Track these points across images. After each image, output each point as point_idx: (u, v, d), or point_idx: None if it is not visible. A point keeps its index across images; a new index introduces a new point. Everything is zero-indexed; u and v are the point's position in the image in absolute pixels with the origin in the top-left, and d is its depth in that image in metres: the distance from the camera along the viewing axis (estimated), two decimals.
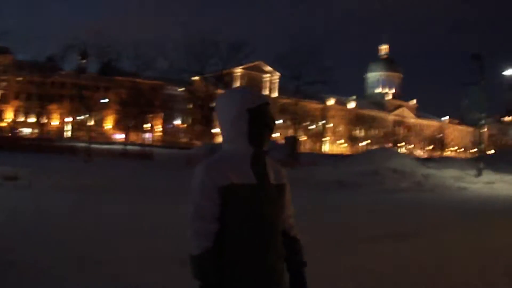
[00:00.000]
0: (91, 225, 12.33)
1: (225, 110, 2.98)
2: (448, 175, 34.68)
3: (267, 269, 2.92)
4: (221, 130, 3.00)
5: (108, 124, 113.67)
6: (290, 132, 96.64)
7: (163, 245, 10.15)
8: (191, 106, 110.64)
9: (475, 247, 11.52)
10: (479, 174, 36.51)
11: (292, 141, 60.65)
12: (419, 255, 10.49)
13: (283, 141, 67.21)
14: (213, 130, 59.33)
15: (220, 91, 60.74)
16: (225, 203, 2.87)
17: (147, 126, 79.30)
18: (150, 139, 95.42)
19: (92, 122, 59.72)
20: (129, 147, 56.60)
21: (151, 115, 74.44)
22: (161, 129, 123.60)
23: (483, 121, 43.04)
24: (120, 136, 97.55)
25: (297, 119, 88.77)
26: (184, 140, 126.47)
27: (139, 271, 8.16)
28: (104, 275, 7.91)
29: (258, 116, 2.92)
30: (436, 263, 9.76)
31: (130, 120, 60.04)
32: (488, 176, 36.33)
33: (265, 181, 2.97)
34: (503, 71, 53.20)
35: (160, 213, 15.22)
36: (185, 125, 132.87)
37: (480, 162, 37.83)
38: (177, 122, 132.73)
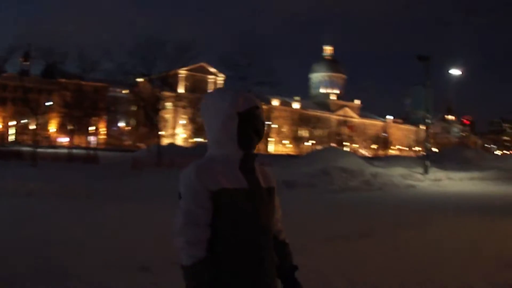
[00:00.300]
0: (46, 234, 11.95)
1: (214, 112, 2.86)
2: (396, 173, 35.01)
3: (264, 275, 2.83)
4: (207, 132, 2.93)
5: (52, 127, 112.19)
6: None
7: (121, 251, 9.95)
8: (135, 108, 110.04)
9: (433, 245, 11.62)
10: (426, 172, 36.95)
11: None
12: (377, 254, 10.55)
13: None
14: (158, 132, 58.86)
15: (166, 93, 60.22)
16: (216, 208, 2.74)
17: (91, 129, 78.51)
18: (95, 142, 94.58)
19: (36, 126, 58.67)
20: (74, 150, 55.76)
21: (95, 118, 73.61)
22: (105, 131, 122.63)
23: (429, 120, 43.59)
24: (64, 140, 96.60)
25: None
26: (128, 142, 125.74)
27: (103, 281, 7.90)
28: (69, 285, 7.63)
29: (249, 120, 2.82)
30: (394, 261, 9.80)
31: (74, 123, 59.13)
32: (434, 173, 36.97)
33: (256, 185, 2.88)
34: (445, 71, 54.12)
35: (113, 218, 14.96)
36: (129, 128, 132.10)
37: (427, 160, 38.26)
38: (121, 124, 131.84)
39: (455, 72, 52.41)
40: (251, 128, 2.79)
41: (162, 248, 10.15)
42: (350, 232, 13.19)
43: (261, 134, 2.88)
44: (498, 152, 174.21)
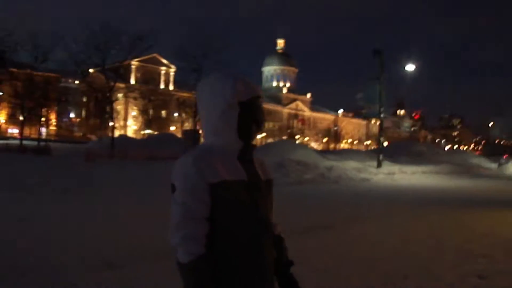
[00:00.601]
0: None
1: (213, 100, 2.70)
2: (350, 166, 35.28)
3: (264, 270, 2.72)
4: (204, 120, 2.77)
5: (2, 118, 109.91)
6: (187, 126, 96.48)
7: (84, 247, 9.76)
8: (86, 99, 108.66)
9: (396, 237, 11.71)
10: (379, 165, 37.28)
11: (192, 135, 60.47)
12: (347, 246, 10.57)
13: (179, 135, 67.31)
14: (111, 124, 58.55)
15: (117, 84, 59.58)
16: (214, 201, 2.59)
17: (42, 120, 77.15)
18: (45, 133, 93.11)
19: None
20: (25, 142, 54.82)
21: (46, 109, 72.40)
22: (56, 123, 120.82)
23: (382, 115, 43.99)
24: (14, 131, 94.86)
25: (195, 112, 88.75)
26: (78, 134, 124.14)
27: (68, 279, 7.70)
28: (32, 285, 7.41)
29: (250, 109, 2.70)
30: (362, 253, 9.88)
31: (25, 113, 58.02)
32: (387, 167, 37.39)
33: (256, 177, 2.76)
34: (396, 67, 54.50)
35: (74, 213, 14.68)
36: (79, 119, 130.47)
37: (380, 154, 38.60)
38: (72, 115, 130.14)
39: (410, 68, 52.62)
40: (252, 118, 2.72)
41: (127, 243, 10.04)
42: (312, 224, 13.30)
43: (261, 124, 2.77)
44: (447, 147, 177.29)
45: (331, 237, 11.70)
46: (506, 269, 8.89)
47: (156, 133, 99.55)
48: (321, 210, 17.12)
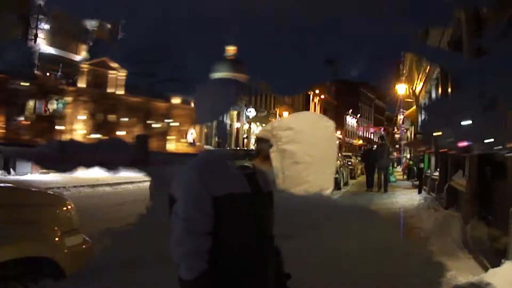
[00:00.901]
0: None
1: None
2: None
3: (266, 285, 2.74)
4: (207, 128, 2.64)
5: None
6: (136, 131, 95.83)
7: None
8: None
9: (360, 244, 11.75)
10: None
11: (143, 140, 60.14)
12: (309, 254, 10.54)
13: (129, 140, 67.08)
14: (56, 127, 57.90)
15: (66, 87, 59.03)
16: (217, 215, 2.56)
17: None
18: None
19: None
20: None
21: None
22: (3, 125, 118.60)
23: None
24: None
25: (145, 117, 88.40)
26: (25, 137, 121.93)
27: None
28: None
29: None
30: (325, 262, 9.88)
31: None
32: None
33: (258, 189, 2.76)
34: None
35: None
36: (27, 122, 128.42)
37: None
38: (20, 118, 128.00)
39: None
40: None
41: (98, 249, 9.83)
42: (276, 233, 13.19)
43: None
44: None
45: (291, 245, 11.64)
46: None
47: (105, 138, 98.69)
48: (278, 218, 17.05)
